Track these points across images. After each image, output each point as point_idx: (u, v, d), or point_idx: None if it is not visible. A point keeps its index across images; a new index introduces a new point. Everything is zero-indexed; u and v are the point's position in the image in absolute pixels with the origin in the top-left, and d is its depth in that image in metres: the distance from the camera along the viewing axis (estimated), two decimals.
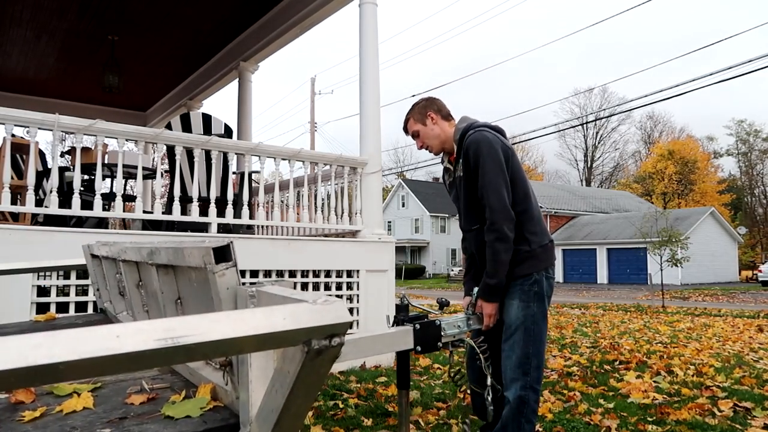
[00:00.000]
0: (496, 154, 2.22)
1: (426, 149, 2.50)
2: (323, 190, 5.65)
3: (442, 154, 2.54)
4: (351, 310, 5.18)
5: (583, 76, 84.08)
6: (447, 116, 2.48)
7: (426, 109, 2.47)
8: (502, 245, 2.19)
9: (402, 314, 2.03)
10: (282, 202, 5.47)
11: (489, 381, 2.24)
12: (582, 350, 6.23)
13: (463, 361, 5.36)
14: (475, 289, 2.33)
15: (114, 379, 1.42)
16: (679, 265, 16.39)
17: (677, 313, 12.62)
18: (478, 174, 2.24)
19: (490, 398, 2.25)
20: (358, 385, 4.28)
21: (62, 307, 3.92)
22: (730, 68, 14.98)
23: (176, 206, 4.51)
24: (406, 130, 2.55)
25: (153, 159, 7.94)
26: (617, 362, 5.39)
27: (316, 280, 5.05)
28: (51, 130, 4.06)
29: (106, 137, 4.31)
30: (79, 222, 4.69)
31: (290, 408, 0.94)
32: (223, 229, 4.99)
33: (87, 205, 4.26)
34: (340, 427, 3.19)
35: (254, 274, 4.69)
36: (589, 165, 57.44)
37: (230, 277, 1.11)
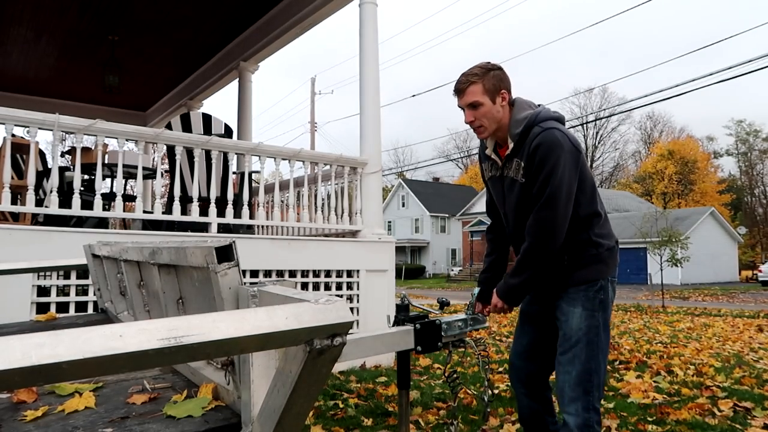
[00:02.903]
0: (571, 163, 1.92)
1: (475, 128, 2.05)
2: (323, 190, 5.65)
3: (485, 142, 2.17)
4: (351, 310, 5.18)
5: (584, 76, 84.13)
6: (512, 100, 2.06)
7: (502, 83, 2.01)
8: (541, 257, 1.96)
9: (402, 314, 2.03)
10: (282, 202, 5.47)
11: (486, 381, 2.24)
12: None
13: (462, 361, 5.38)
14: (475, 290, 2.32)
15: (115, 379, 1.42)
16: (679, 265, 16.39)
17: (677, 312, 12.62)
18: (543, 181, 1.92)
19: (486, 399, 2.25)
20: (359, 385, 4.28)
21: (62, 307, 3.92)
22: (730, 68, 14.99)
23: (176, 206, 4.51)
24: (461, 93, 2.02)
25: (153, 159, 7.95)
26: (617, 362, 5.39)
27: (316, 280, 5.05)
28: (51, 130, 4.06)
29: (107, 137, 4.31)
30: (80, 222, 4.69)
31: (292, 407, 0.94)
32: (224, 229, 4.99)
33: (87, 205, 4.26)
34: (340, 426, 3.19)
35: (254, 274, 4.70)
36: (589, 165, 57.35)
37: (232, 276, 1.12)
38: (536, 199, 1.94)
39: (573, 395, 1.96)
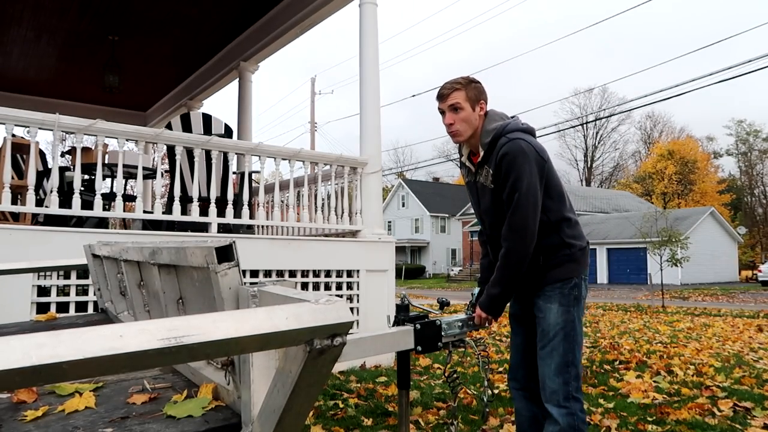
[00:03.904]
0: (536, 171, 2.04)
1: (452, 132, 2.19)
2: (323, 190, 5.65)
3: (459, 145, 2.31)
4: (351, 310, 5.17)
5: (585, 75, 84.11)
6: (486, 112, 2.22)
7: (481, 95, 2.18)
8: (516, 259, 2.06)
9: (402, 314, 2.04)
10: (282, 202, 5.47)
11: (486, 381, 2.24)
12: (582, 350, 6.23)
13: (462, 361, 5.39)
14: (475, 290, 2.33)
15: (116, 379, 1.42)
16: (678, 265, 16.39)
17: (677, 312, 12.63)
18: (510, 188, 2.05)
19: (486, 399, 2.26)
20: (358, 385, 4.28)
21: (62, 307, 3.92)
22: (730, 68, 15.00)
23: (176, 206, 4.51)
24: (444, 97, 2.17)
25: (153, 159, 7.95)
26: (617, 362, 5.40)
27: (316, 280, 5.05)
28: (51, 130, 4.06)
29: (107, 137, 4.31)
30: (80, 222, 4.70)
31: (292, 407, 0.94)
32: (224, 229, 4.99)
33: (87, 205, 4.26)
34: (340, 426, 3.20)
35: (254, 274, 4.70)
36: (589, 165, 57.42)
37: (232, 276, 1.12)
38: (507, 205, 2.08)
39: (553, 386, 2.08)
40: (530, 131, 2.17)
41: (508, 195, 2.06)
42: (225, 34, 7.55)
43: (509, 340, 7.47)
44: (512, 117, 2.23)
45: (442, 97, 2.18)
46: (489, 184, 2.15)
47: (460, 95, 2.14)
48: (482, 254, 2.47)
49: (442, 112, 2.20)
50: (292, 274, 4.91)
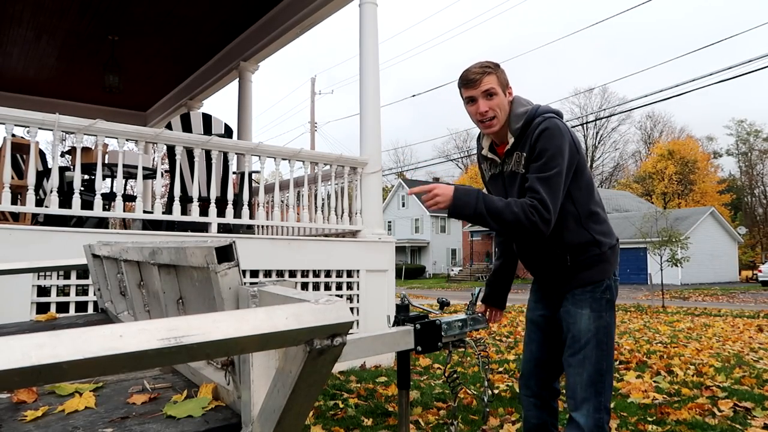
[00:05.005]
0: (568, 153, 1.89)
1: (487, 119, 1.96)
2: (323, 190, 5.65)
3: (480, 138, 2.15)
4: (351, 310, 5.18)
5: (586, 75, 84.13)
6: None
7: (507, 80, 2.00)
8: (524, 221, 1.83)
9: (402, 314, 2.03)
10: (282, 202, 5.47)
11: (486, 381, 2.24)
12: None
13: (462, 360, 5.38)
14: (476, 289, 2.32)
15: (115, 379, 1.42)
16: (679, 265, 16.39)
17: (677, 313, 12.62)
18: (543, 162, 1.88)
19: (486, 399, 2.25)
20: (358, 385, 4.28)
21: (62, 307, 3.92)
22: (730, 68, 15.00)
23: (176, 206, 4.51)
24: (474, 83, 1.94)
25: (153, 159, 7.95)
26: (617, 362, 5.40)
27: (316, 280, 5.05)
28: (51, 130, 4.06)
29: (107, 137, 4.31)
30: (80, 222, 4.70)
31: (292, 408, 0.94)
32: (224, 229, 4.99)
33: (87, 205, 4.26)
34: (340, 426, 3.20)
35: (254, 274, 4.70)
36: (589, 165, 57.32)
37: (232, 276, 1.12)
38: (538, 179, 1.87)
39: (585, 396, 1.94)
40: (561, 115, 2.03)
41: (540, 170, 1.89)
42: (225, 34, 7.55)
43: (510, 340, 7.39)
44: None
45: (472, 82, 1.94)
46: (520, 169, 1.97)
47: (493, 79, 1.94)
48: (497, 255, 2.36)
49: (472, 100, 1.96)
50: (292, 274, 4.91)
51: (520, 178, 1.98)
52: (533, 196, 1.85)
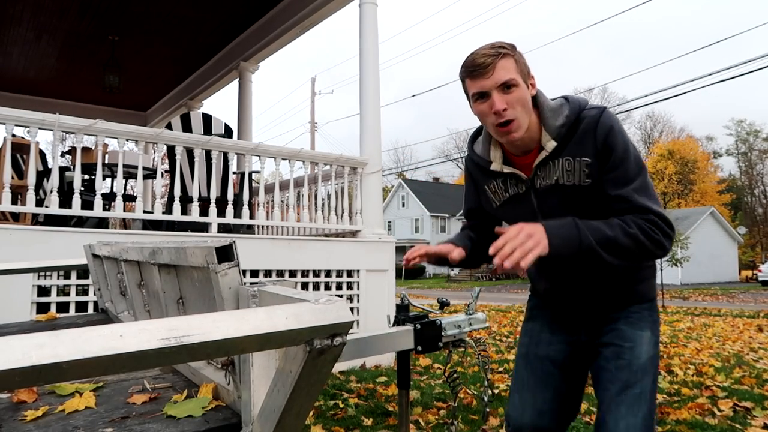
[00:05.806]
0: (634, 147, 1.47)
1: (504, 123, 1.40)
2: (323, 190, 5.65)
3: (477, 148, 1.63)
4: (351, 310, 5.17)
5: (586, 75, 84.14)
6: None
7: (529, 67, 1.46)
8: (647, 243, 1.39)
9: (402, 314, 2.03)
10: (282, 202, 5.47)
11: (486, 381, 2.24)
12: None
13: (462, 360, 5.38)
14: (476, 289, 2.32)
15: (116, 379, 1.42)
16: (678, 264, 16.37)
17: (677, 312, 12.62)
18: (631, 168, 1.42)
19: (486, 399, 2.24)
20: (359, 385, 4.28)
21: (62, 307, 3.93)
22: (730, 68, 15.01)
23: (176, 206, 4.51)
24: (485, 67, 1.37)
25: (153, 159, 7.95)
26: None
27: (316, 280, 5.05)
28: (51, 130, 4.06)
29: (107, 137, 4.31)
30: (80, 222, 4.70)
31: (292, 407, 0.94)
32: (224, 229, 4.99)
33: (87, 205, 4.27)
34: (341, 426, 3.20)
35: (254, 273, 4.70)
36: None
37: (232, 276, 1.12)
38: (629, 192, 1.42)
39: None
40: None
41: (628, 176, 1.42)
42: (225, 34, 7.55)
43: (510, 340, 7.37)
44: None
45: (482, 69, 1.38)
46: (583, 181, 1.45)
47: (510, 64, 1.39)
48: (466, 228, 1.89)
49: (482, 96, 1.41)
50: (292, 274, 4.91)
51: (574, 192, 1.47)
52: (639, 210, 1.41)
